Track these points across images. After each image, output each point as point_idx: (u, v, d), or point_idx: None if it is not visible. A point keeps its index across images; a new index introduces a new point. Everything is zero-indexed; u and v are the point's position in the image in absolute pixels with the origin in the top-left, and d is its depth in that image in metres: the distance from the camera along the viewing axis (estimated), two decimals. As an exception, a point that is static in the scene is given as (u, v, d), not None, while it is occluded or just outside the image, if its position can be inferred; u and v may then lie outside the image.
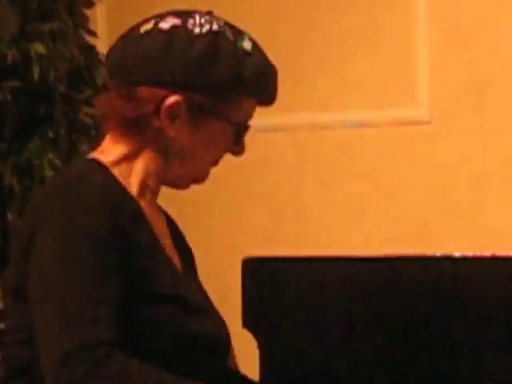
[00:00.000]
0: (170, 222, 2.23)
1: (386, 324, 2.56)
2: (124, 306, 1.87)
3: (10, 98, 3.60)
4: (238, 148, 2.11)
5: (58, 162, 3.69)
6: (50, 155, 3.70)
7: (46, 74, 3.60)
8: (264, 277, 2.43)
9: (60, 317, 1.82)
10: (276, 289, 2.46)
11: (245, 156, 2.12)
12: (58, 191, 1.98)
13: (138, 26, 2.04)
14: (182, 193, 2.19)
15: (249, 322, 2.59)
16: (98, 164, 2.02)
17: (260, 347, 2.51)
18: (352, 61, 4.71)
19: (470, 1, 4.44)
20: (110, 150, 2.07)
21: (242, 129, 2.09)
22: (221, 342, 2.09)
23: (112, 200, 1.95)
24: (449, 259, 2.65)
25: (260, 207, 4.83)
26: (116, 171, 2.03)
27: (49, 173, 3.64)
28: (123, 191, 2.01)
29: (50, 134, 3.77)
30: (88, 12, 3.90)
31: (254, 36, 2.05)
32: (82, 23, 3.84)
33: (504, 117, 4.36)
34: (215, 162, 2.12)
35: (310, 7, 4.73)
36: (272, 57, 2.06)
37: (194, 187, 2.15)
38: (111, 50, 2.08)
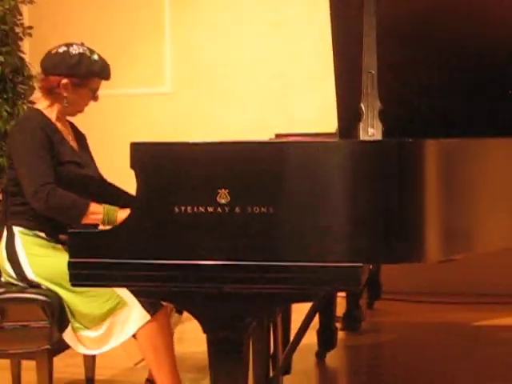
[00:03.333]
0: (73, 128, 3.39)
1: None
2: (52, 167, 3.06)
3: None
4: (95, 99, 3.28)
5: (7, 108, 5.29)
6: (5, 106, 5.29)
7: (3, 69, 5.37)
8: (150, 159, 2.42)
9: (30, 175, 3.01)
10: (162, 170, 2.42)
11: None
12: (17, 125, 3.30)
13: (52, 49, 3.22)
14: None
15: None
16: (36, 109, 3.25)
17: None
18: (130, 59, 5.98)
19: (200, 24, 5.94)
20: (41, 103, 3.25)
21: (95, 91, 3.25)
22: (94, 178, 3.30)
23: (42, 125, 3.13)
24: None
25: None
26: (45, 112, 3.20)
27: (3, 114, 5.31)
28: (48, 120, 3.19)
29: (5, 96, 5.37)
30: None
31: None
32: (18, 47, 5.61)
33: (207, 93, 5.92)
34: (86, 105, 3.30)
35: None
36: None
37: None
38: (42, 60, 3.24)
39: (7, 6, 5.24)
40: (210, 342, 2.40)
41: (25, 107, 5.38)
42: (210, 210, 2.30)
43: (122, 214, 2.91)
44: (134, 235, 2.35)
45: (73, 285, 2.43)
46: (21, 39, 5.53)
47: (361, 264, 2.25)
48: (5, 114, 5.23)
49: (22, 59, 5.48)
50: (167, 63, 5.84)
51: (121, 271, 2.36)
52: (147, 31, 5.79)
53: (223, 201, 2.28)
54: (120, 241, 2.36)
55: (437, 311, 4.93)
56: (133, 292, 2.78)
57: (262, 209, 2.29)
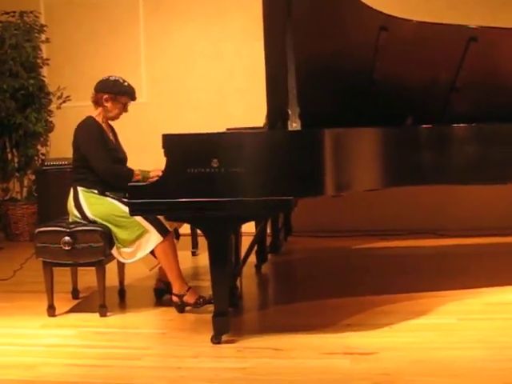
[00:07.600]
0: (111, 128, 3.66)
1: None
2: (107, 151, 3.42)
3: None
4: (125, 111, 3.59)
5: (35, 115, 5.70)
6: (33, 113, 5.69)
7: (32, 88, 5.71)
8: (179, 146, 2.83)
9: (97, 159, 3.43)
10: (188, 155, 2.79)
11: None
12: (81, 126, 3.52)
13: (103, 78, 3.56)
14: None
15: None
16: (91, 116, 3.54)
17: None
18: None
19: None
20: (93, 112, 3.56)
21: (125, 105, 3.57)
22: (125, 159, 3.64)
23: (97, 126, 3.51)
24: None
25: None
26: (96, 118, 3.55)
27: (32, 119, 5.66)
28: (98, 123, 3.55)
29: (33, 106, 5.80)
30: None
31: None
32: (40, 73, 5.91)
33: (169, 99, 5.87)
34: (120, 114, 3.60)
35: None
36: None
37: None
38: (96, 84, 3.57)
39: (33, 44, 5.69)
40: (209, 245, 2.91)
41: (45, 114, 5.80)
42: (208, 170, 2.81)
43: (153, 173, 3.42)
44: (166, 186, 2.85)
45: (131, 214, 2.93)
46: (41, 67, 5.91)
47: (291, 197, 2.82)
48: (33, 118, 5.68)
49: (43, 81, 5.87)
50: (143, 81, 5.87)
51: (159, 205, 2.86)
52: (130, 61, 5.90)
53: (215, 165, 2.80)
54: (158, 189, 2.86)
55: (327, 242, 5.27)
56: (164, 218, 3.28)
57: (237, 169, 2.80)
